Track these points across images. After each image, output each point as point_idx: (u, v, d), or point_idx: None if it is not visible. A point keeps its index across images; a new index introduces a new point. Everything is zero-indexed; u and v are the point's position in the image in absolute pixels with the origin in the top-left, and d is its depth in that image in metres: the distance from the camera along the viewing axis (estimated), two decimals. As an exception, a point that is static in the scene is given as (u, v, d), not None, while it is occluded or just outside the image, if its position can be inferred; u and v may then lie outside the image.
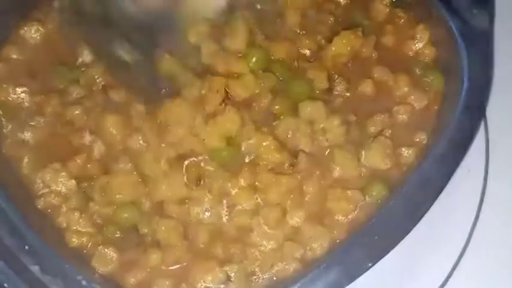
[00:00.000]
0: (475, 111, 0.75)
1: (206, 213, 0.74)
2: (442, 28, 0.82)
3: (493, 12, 0.80)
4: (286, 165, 0.75)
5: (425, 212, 0.69)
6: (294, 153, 0.75)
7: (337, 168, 0.76)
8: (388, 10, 0.88)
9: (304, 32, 0.85)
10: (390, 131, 0.79)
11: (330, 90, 0.80)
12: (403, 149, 0.77)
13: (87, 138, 0.79)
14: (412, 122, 0.80)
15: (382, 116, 0.80)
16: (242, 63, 0.79)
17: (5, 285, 0.62)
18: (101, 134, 0.78)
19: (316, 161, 0.76)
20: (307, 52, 0.84)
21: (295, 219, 0.73)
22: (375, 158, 0.76)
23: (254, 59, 0.79)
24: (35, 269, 0.64)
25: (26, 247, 0.65)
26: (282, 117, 0.77)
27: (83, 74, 0.83)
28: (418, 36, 0.86)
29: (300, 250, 0.71)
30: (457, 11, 0.81)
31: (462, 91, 0.75)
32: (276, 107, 0.78)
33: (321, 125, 0.77)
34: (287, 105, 0.78)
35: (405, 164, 0.77)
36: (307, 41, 0.84)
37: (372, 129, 0.79)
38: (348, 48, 0.82)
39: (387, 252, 0.66)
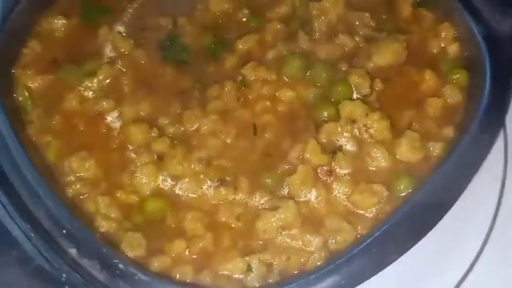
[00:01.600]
0: (495, 115, 0.76)
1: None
2: (465, 27, 0.85)
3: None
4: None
5: (449, 209, 0.70)
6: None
7: (374, 163, 0.77)
8: (412, 9, 0.91)
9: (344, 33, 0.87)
10: (418, 126, 0.80)
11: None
12: (431, 143, 0.79)
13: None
14: (440, 116, 0.81)
15: (412, 110, 0.81)
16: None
17: (46, 266, 0.63)
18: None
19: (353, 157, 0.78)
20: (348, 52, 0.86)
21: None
22: (405, 151, 0.77)
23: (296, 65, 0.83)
24: (73, 251, 0.65)
25: (64, 231, 0.66)
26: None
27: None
28: (443, 34, 0.88)
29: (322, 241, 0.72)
30: (480, 15, 0.83)
31: (485, 92, 0.77)
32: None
33: (362, 122, 0.79)
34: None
35: (432, 157, 0.78)
36: (347, 41, 0.86)
37: (402, 122, 0.81)
38: (391, 59, 0.84)
39: (412, 246, 0.67)
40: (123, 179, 0.78)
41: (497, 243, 0.79)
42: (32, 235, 0.65)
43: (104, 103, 0.83)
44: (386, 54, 0.85)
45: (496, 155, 0.84)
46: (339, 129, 0.79)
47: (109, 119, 0.82)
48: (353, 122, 0.79)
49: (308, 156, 0.77)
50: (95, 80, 0.85)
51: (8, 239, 0.65)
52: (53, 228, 0.67)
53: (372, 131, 0.79)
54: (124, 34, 0.89)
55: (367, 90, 0.82)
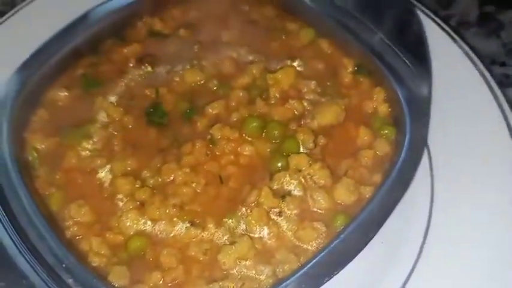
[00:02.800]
0: (414, 159, 0.93)
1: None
2: (393, 91, 1.03)
3: (431, 82, 1.01)
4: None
5: (374, 234, 0.85)
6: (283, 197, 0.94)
7: (316, 205, 0.93)
8: (351, 76, 1.10)
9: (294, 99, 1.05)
10: (353, 173, 0.97)
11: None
12: (363, 187, 0.95)
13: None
14: (371, 165, 0.98)
15: (349, 160, 0.98)
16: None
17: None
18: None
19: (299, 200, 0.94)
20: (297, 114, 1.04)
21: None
22: (341, 194, 0.94)
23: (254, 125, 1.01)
24: (70, 281, 0.80)
25: (63, 265, 0.82)
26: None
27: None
28: (375, 96, 1.06)
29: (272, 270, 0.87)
30: (403, 80, 1.02)
31: (405, 143, 0.95)
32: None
33: (307, 171, 0.95)
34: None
35: (364, 198, 0.94)
36: (296, 105, 1.04)
37: (340, 170, 0.97)
38: (332, 119, 1.02)
39: (342, 268, 0.82)
40: (112, 222, 0.92)
41: (428, 262, 0.92)
42: (38, 268, 0.81)
43: (98, 160, 0.99)
44: (328, 115, 1.02)
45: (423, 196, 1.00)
46: (288, 177, 0.95)
47: (101, 173, 0.98)
48: (299, 171, 0.96)
49: (262, 200, 0.92)
50: (91, 142, 1.01)
51: (19, 271, 0.81)
52: (55, 263, 0.82)
53: (315, 178, 0.95)
54: (115, 103, 1.06)
55: (312, 144, 0.99)
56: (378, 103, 1.06)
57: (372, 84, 1.08)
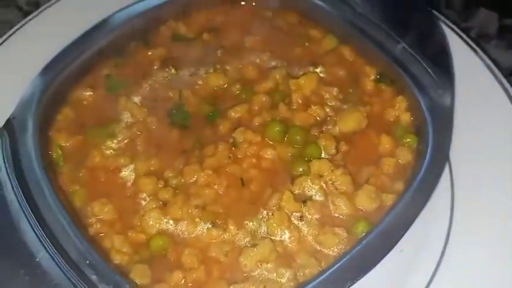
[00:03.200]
0: (437, 170, 0.94)
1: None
2: (415, 100, 1.04)
3: (454, 92, 1.01)
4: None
5: (394, 244, 0.86)
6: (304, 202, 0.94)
7: (337, 210, 0.94)
8: (373, 84, 1.11)
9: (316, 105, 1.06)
10: (374, 180, 0.97)
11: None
12: (384, 194, 0.95)
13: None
14: (393, 173, 0.98)
15: (370, 167, 0.99)
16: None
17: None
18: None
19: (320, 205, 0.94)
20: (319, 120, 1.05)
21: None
22: (363, 201, 0.94)
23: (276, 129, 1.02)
24: (94, 278, 0.81)
25: (87, 261, 0.83)
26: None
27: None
28: (397, 105, 1.07)
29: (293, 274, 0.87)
30: (426, 90, 1.02)
31: (428, 152, 0.95)
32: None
33: (328, 177, 0.96)
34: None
35: (385, 206, 0.94)
36: (318, 111, 1.05)
37: (362, 177, 0.98)
38: (354, 126, 1.03)
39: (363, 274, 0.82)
40: (134, 221, 0.93)
41: (448, 271, 0.92)
42: (62, 264, 0.82)
43: (122, 159, 1.00)
44: (350, 122, 1.03)
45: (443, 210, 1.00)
46: (309, 182, 0.96)
47: (125, 172, 1.00)
48: (321, 176, 0.97)
49: (284, 204, 0.93)
50: (115, 141, 1.03)
51: (45, 268, 0.82)
52: (79, 259, 0.83)
53: (336, 184, 0.96)
54: (139, 104, 1.08)
55: (334, 150, 1.00)
56: (400, 111, 1.06)
57: (394, 93, 1.09)
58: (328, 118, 1.05)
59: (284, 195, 0.94)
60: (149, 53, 1.15)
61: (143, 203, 0.96)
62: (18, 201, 0.88)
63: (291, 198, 0.93)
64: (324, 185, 0.96)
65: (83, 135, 1.04)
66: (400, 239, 0.87)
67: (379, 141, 1.02)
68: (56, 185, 0.95)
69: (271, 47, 1.16)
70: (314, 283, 0.82)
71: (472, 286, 0.91)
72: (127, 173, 1.00)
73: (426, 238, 0.96)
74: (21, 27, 1.23)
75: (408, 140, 1.02)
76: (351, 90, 1.10)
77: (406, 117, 1.05)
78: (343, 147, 1.01)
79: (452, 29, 1.19)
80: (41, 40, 1.19)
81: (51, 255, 0.83)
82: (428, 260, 0.94)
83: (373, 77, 1.11)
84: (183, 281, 0.88)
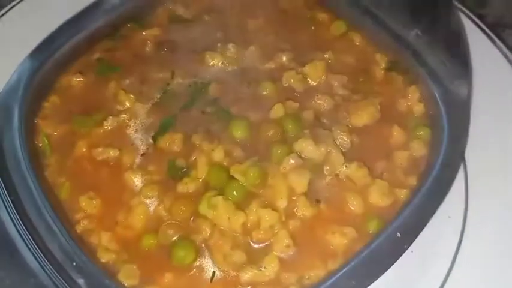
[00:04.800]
0: (452, 166, 0.87)
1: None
2: (429, 90, 0.97)
3: (471, 83, 0.95)
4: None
5: (408, 246, 0.80)
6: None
7: (351, 208, 0.87)
8: (384, 72, 1.04)
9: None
10: (387, 175, 0.91)
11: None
12: (398, 189, 0.89)
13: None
14: (406, 167, 0.92)
15: (383, 161, 0.92)
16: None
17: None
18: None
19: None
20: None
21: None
22: (376, 197, 0.88)
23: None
24: (81, 281, 0.74)
25: (74, 263, 0.76)
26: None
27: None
28: (410, 95, 1.00)
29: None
30: (441, 81, 0.95)
31: (443, 146, 0.88)
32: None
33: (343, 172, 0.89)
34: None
35: (399, 201, 0.88)
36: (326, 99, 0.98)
37: (375, 172, 0.91)
38: (367, 120, 0.96)
39: (372, 282, 0.76)
40: (122, 216, 0.86)
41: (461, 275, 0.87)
42: (48, 266, 0.75)
43: (110, 151, 0.92)
44: (364, 116, 0.96)
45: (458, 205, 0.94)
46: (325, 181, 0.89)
47: (113, 163, 0.92)
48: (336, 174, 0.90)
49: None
50: (101, 130, 0.95)
51: (28, 270, 0.74)
52: (65, 260, 0.76)
53: (351, 178, 0.89)
54: (129, 90, 0.99)
55: (347, 142, 0.93)
56: (412, 102, 1.00)
57: (406, 82, 1.02)
58: (338, 108, 0.98)
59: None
60: (143, 34, 1.08)
61: (133, 197, 0.89)
62: (0, 195, 0.81)
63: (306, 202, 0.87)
64: (336, 181, 0.90)
65: (70, 123, 0.97)
66: (414, 240, 0.81)
67: (391, 133, 0.95)
68: (41, 177, 0.88)
69: (276, 30, 1.08)
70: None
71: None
72: (115, 165, 0.92)
73: (438, 238, 0.90)
74: (10, 9, 1.15)
75: (421, 132, 0.96)
76: (361, 79, 1.03)
77: (419, 109, 0.99)
78: (355, 139, 0.94)
79: (469, 17, 1.11)
80: (30, 22, 1.11)
81: (34, 256, 0.76)
82: (440, 262, 0.88)
83: (383, 65, 1.04)
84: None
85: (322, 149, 0.89)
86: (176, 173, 0.90)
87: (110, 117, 0.97)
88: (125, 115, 0.97)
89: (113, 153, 0.93)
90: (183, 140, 0.93)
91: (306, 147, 0.90)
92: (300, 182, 0.86)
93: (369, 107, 0.96)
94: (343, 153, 0.91)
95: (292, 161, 0.88)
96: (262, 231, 0.83)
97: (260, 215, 0.84)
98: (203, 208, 0.84)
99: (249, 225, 0.84)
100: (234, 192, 0.85)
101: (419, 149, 0.94)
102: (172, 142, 0.93)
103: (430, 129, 0.95)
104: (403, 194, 0.88)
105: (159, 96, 1.00)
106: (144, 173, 0.91)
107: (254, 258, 0.82)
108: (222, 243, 0.82)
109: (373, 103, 0.97)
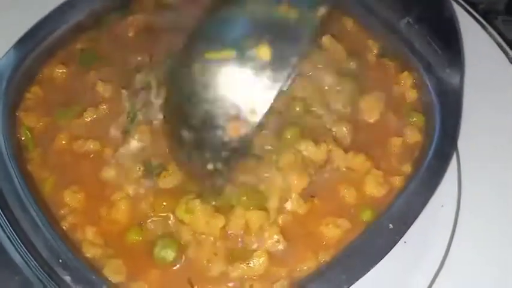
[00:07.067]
0: (445, 155, 0.86)
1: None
2: (421, 78, 0.96)
3: (464, 71, 0.94)
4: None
5: (401, 237, 0.79)
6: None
7: (345, 198, 0.85)
8: (375, 59, 1.02)
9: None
10: (382, 163, 0.89)
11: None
12: (392, 177, 0.87)
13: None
14: (400, 154, 0.91)
15: (377, 148, 0.91)
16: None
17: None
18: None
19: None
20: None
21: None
22: (371, 187, 0.86)
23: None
24: (68, 279, 0.72)
25: (60, 260, 0.74)
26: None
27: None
28: (402, 81, 0.99)
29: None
30: (433, 69, 0.94)
31: (435, 136, 0.87)
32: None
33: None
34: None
35: (394, 189, 0.86)
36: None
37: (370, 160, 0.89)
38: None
39: (363, 274, 0.75)
40: (107, 210, 0.83)
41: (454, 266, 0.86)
42: (33, 263, 0.72)
43: (91, 144, 0.89)
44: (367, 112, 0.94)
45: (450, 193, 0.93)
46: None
47: (93, 156, 0.89)
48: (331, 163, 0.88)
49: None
50: (81, 122, 0.92)
51: (12, 267, 0.72)
52: (50, 257, 0.74)
53: (352, 167, 0.87)
54: (109, 79, 0.96)
55: (344, 131, 0.91)
56: (405, 88, 0.98)
57: (398, 69, 1.00)
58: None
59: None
60: (128, 20, 1.05)
61: (115, 191, 0.86)
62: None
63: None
64: (333, 172, 0.88)
65: (51, 116, 0.94)
66: (406, 231, 0.79)
67: (384, 120, 0.94)
68: (25, 172, 0.85)
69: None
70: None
71: (480, 281, 0.85)
72: (96, 157, 0.89)
73: (431, 228, 0.89)
74: None
75: (415, 118, 0.94)
76: (351, 63, 1.00)
77: (412, 95, 0.97)
78: (349, 128, 0.91)
79: (460, 4, 1.10)
80: (13, 13, 1.08)
81: (19, 253, 0.73)
82: (433, 252, 0.87)
83: (375, 51, 1.02)
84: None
85: (322, 148, 0.87)
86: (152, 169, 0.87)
87: (90, 108, 0.93)
88: (104, 106, 0.94)
89: (93, 145, 0.90)
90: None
91: (307, 147, 0.87)
92: (299, 181, 0.84)
93: (375, 103, 0.95)
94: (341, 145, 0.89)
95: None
96: (253, 234, 0.81)
97: (247, 217, 0.81)
98: (180, 212, 0.81)
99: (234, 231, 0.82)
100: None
101: (412, 136, 0.92)
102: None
103: (423, 116, 0.94)
104: (397, 181, 0.87)
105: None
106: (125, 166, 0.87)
107: (242, 255, 0.80)
108: (201, 250, 0.80)
109: (375, 96, 0.95)
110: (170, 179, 0.85)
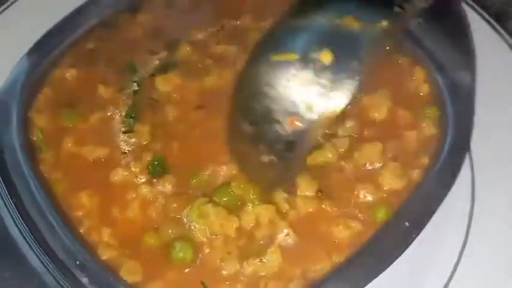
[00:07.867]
0: (460, 150, 0.87)
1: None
2: (433, 79, 0.96)
3: (475, 71, 0.94)
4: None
5: (416, 235, 0.78)
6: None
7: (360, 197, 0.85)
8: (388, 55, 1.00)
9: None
10: (398, 156, 0.89)
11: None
12: (410, 171, 0.87)
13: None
14: (417, 147, 0.90)
15: (393, 142, 0.90)
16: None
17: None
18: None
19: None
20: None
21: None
22: (389, 181, 0.86)
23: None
24: (85, 280, 0.72)
25: (77, 262, 0.74)
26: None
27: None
28: (415, 76, 0.98)
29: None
30: (445, 70, 0.94)
31: (449, 130, 0.88)
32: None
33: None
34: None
35: (412, 183, 0.86)
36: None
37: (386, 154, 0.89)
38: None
39: (379, 274, 0.74)
40: (120, 211, 0.84)
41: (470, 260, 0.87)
42: (51, 266, 0.73)
43: (99, 147, 0.89)
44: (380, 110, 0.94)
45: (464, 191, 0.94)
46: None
47: (103, 159, 0.89)
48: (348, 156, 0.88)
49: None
50: (88, 124, 0.92)
51: (30, 269, 0.72)
52: (68, 259, 0.74)
53: (368, 158, 0.87)
54: (115, 80, 0.97)
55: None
56: (418, 83, 0.98)
57: (410, 63, 0.99)
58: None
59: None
60: (137, 20, 1.05)
61: (128, 192, 0.86)
62: (1, 195, 0.79)
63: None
64: (346, 165, 0.88)
65: (60, 117, 0.94)
66: (422, 229, 0.79)
67: (399, 114, 0.93)
68: (38, 173, 0.85)
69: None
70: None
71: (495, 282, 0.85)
72: (106, 160, 0.89)
73: (445, 231, 0.89)
74: (8, 7, 1.15)
75: (429, 111, 0.94)
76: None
77: (424, 89, 0.97)
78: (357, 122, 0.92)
79: (471, 6, 1.10)
80: (27, 20, 1.10)
81: (37, 256, 0.73)
82: (448, 253, 0.88)
83: (387, 47, 1.00)
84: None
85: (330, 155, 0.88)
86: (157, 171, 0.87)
87: (96, 110, 0.94)
88: (111, 107, 0.94)
89: (101, 148, 0.90)
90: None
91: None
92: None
93: (384, 101, 0.94)
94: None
95: None
96: (264, 228, 0.81)
97: (257, 212, 0.82)
98: (193, 217, 0.82)
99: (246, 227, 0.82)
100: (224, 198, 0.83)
101: (428, 129, 0.92)
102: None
103: (437, 109, 0.93)
104: (415, 174, 0.87)
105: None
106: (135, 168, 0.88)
107: (256, 251, 0.80)
108: (217, 249, 0.81)
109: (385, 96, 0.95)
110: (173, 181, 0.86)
